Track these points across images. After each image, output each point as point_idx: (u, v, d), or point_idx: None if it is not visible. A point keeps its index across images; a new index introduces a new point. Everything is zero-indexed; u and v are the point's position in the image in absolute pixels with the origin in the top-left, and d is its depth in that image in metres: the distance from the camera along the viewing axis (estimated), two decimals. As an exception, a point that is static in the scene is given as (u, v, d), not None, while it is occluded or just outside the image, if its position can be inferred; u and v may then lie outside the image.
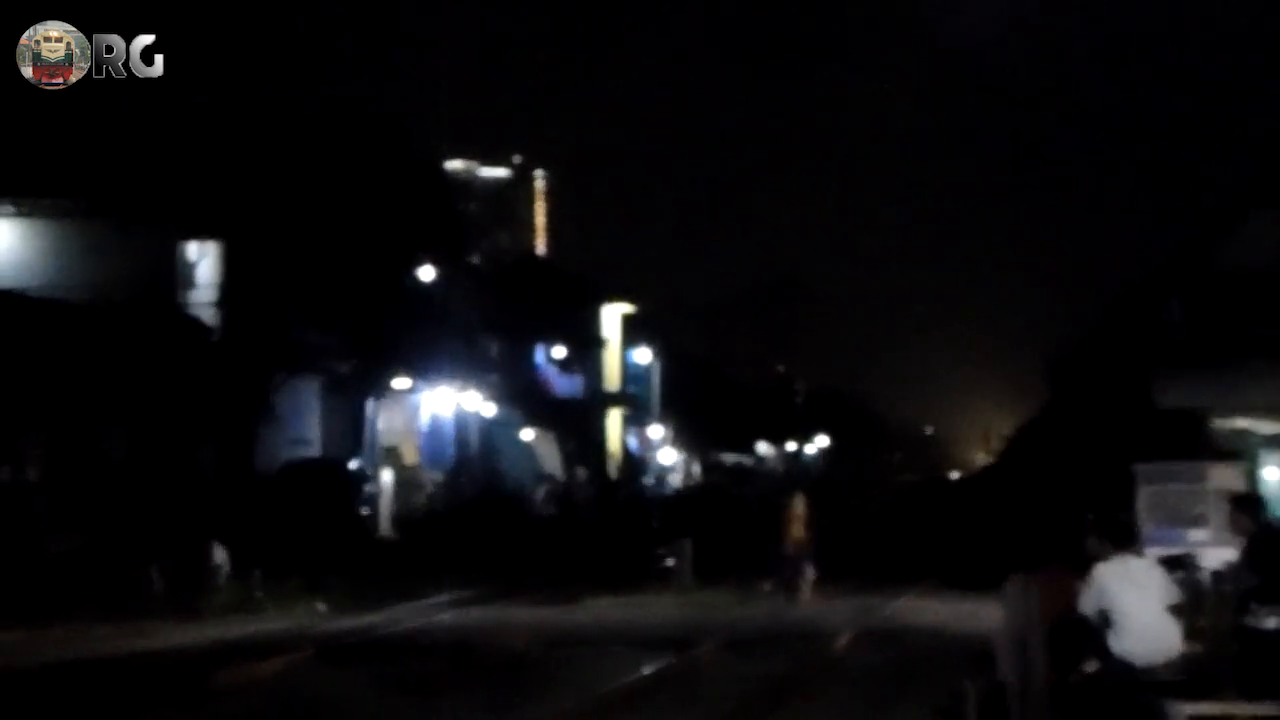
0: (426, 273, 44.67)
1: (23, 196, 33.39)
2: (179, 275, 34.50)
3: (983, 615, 21.30)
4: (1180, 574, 17.33)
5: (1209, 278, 23.80)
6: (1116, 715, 9.72)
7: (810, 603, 25.24)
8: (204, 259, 35.01)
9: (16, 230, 33.64)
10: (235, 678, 17.07)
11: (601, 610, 24.72)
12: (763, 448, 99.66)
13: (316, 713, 15.37)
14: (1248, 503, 13.08)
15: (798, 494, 27.22)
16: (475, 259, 69.29)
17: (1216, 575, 18.58)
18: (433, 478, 43.75)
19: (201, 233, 34.58)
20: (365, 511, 35.89)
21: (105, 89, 17.49)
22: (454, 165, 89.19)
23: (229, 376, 32.37)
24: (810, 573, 25.89)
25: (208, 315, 34.21)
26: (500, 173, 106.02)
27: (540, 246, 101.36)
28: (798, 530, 26.10)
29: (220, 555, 25.41)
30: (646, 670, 17.26)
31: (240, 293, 33.90)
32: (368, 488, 36.57)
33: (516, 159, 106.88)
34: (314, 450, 36.80)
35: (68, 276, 31.83)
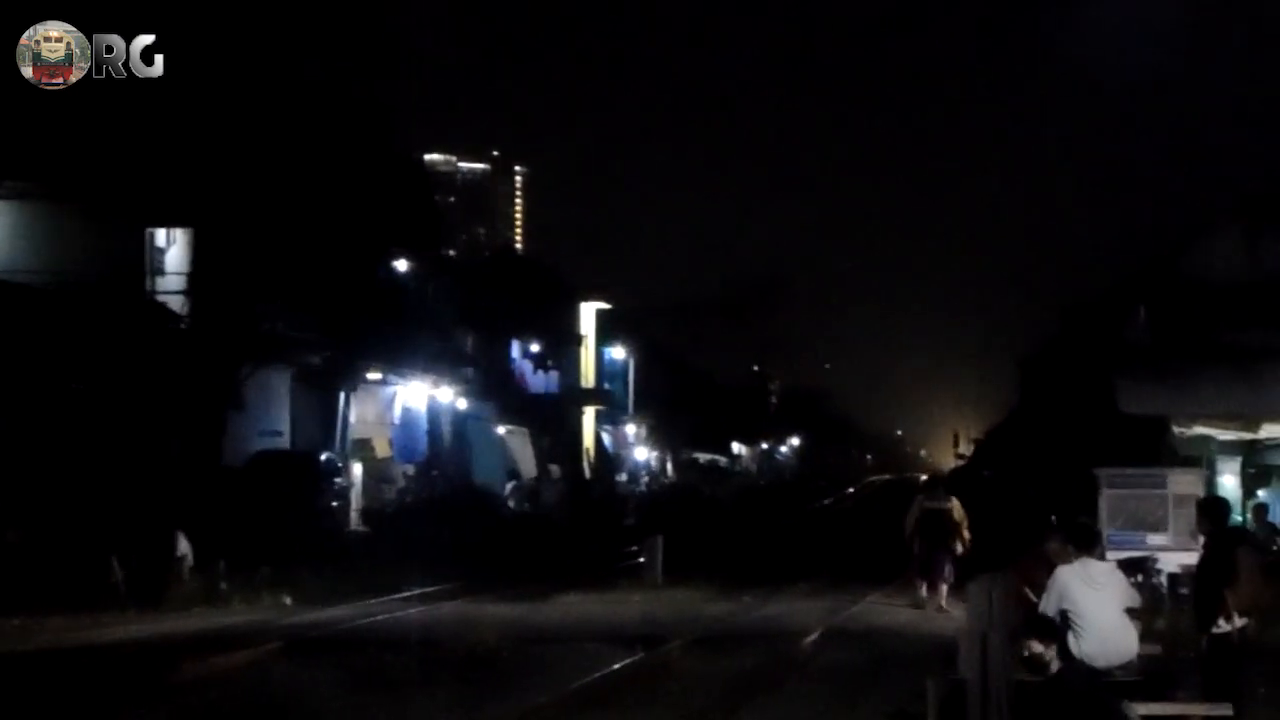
0: (402, 265, 44.60)
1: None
2: (147, 262, 33.98)
3: (950, 615, 21.38)
4: (1139, 577, 17.49)
5: (1174, 287, 23.94)
6: (1074, 715, 9.72)
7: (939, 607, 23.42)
8: (173, 246, 34.55)
9: (-23, 212, 33.12)
10: (196, 671, 16.84)
11: (572, 607, 24.64)
12: (737, 446, 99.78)
13: (280, 708, 15.20)
14: (1212, 507, 13.14)
15: (951, 497, 25.12)
16: (452, 252, 69.30)
17: (1174, 579, 18.75)
18: (404, 471, 43.56)
19: (171, 219, 34.10)
20: (335, 504, 35.67)
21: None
22: (433, 158, 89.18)
23: (197, 365, 31.99)
24: (951, 577, 23.70)
25: (176, 303, 33.68)
26: (479, 167, 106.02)
27: (518, 241, 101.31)
28: (957, 533, 24.17)
29: (184, 546, 25.05)
30: (616, 666, 17.22)
31: (210, 281, 33.38)
32: (338, 480, 36.35)
33: (496, 154, 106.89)
34: (284, 442, 36.61)
35: (30, 260, 31.32)
